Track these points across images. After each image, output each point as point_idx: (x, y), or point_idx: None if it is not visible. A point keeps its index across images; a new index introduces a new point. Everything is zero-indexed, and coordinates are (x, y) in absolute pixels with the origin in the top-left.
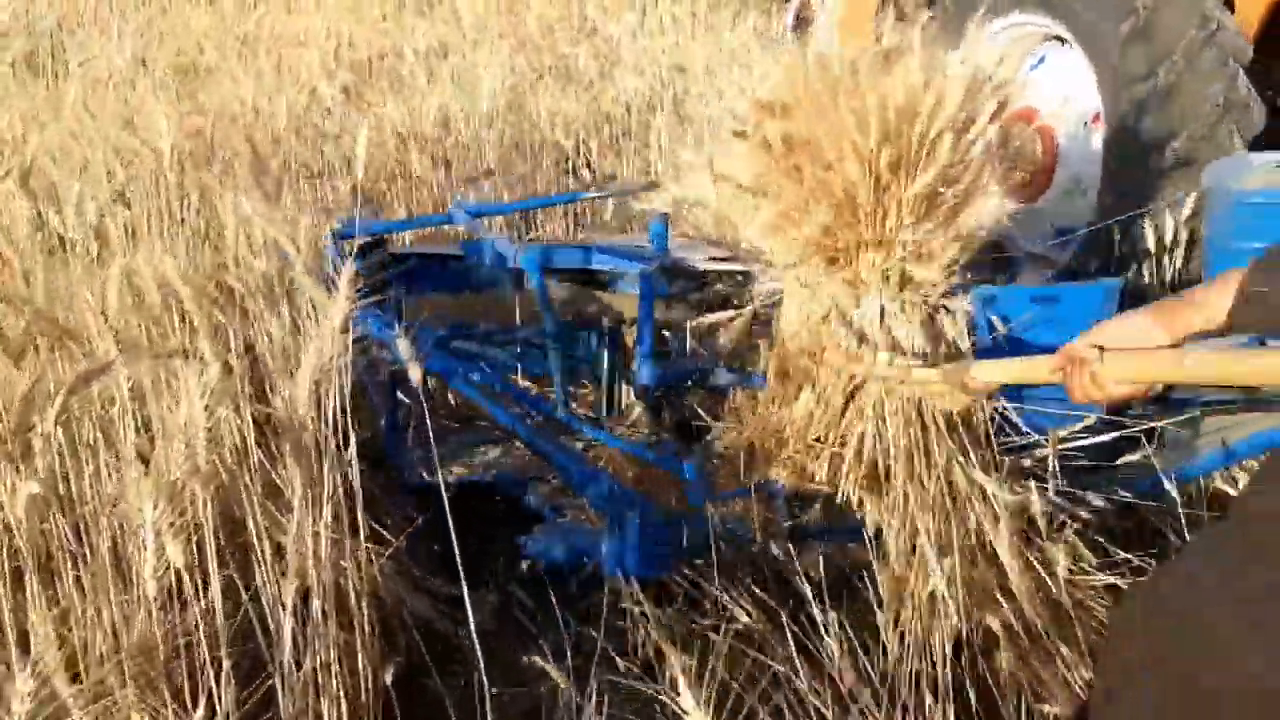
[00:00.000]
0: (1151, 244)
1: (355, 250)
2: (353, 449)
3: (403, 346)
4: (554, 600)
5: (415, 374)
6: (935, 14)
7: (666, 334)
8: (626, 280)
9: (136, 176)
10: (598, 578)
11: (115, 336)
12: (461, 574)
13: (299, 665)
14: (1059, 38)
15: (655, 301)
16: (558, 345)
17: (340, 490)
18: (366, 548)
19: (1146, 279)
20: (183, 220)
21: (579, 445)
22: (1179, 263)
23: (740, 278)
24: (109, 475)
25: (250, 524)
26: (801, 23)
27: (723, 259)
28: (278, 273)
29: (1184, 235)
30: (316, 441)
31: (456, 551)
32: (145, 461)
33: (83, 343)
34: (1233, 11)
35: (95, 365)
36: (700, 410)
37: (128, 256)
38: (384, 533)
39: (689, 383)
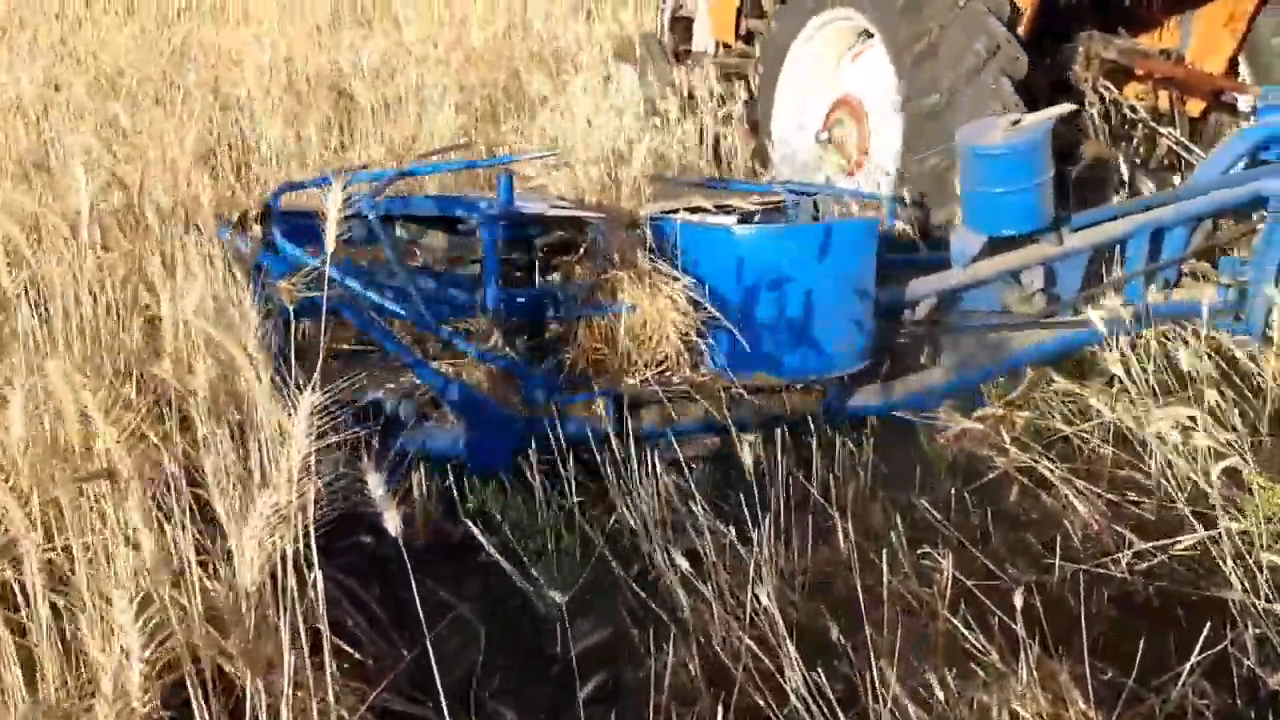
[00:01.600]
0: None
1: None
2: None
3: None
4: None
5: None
6: (781, 10)
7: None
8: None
9: (44, 251)
10: None
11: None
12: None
13: None
14: (867, 31)
15: (501, 243)
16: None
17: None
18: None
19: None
20: (110, 312)
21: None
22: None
23: (578, 226)
24: None
25: None
26: (677, 22)
27: (561, 209)
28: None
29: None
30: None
31: None
32: None
33: None
34: None
35: None
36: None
37: (35, 375)
38: None
39: (542, 310)
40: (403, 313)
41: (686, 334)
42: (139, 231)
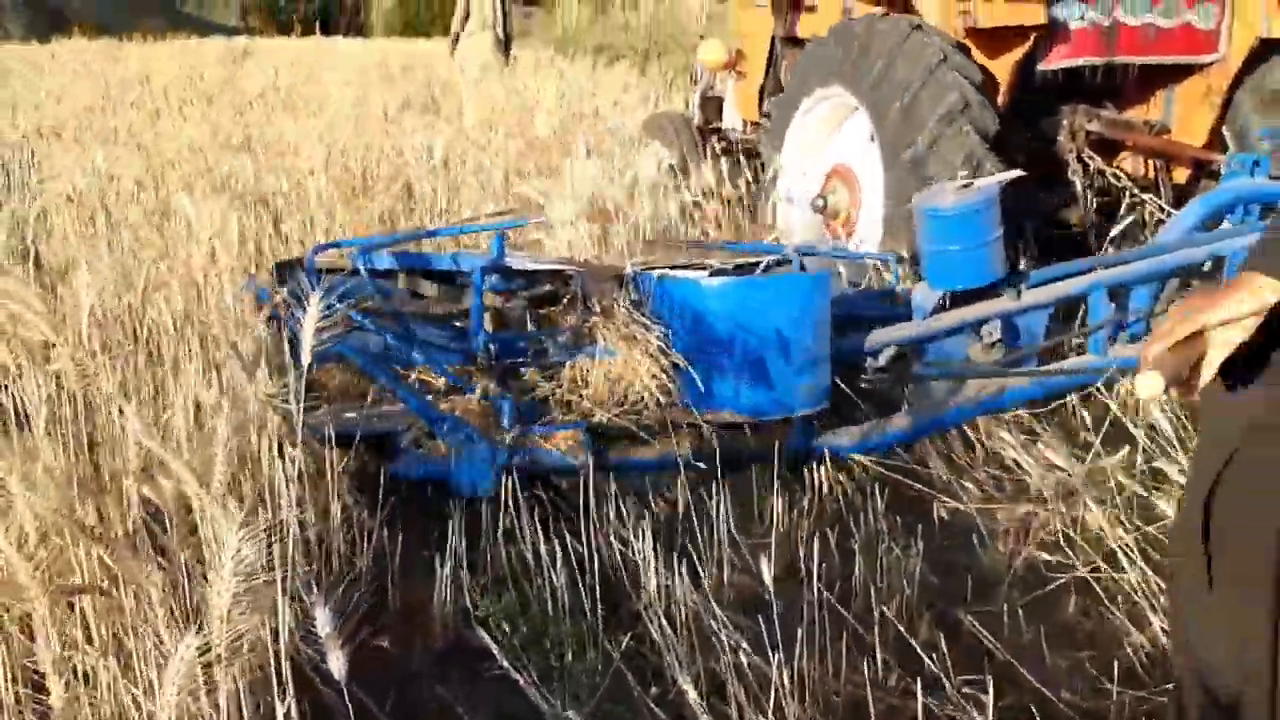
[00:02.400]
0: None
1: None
2: None
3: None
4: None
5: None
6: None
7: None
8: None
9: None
10: None
11: None
12: None
13: None
14: (856, 106)
15: (497, 294)
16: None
17: None
18: None
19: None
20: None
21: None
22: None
23: (562, 279)
24: None
25: None
26: (708, 101)
27: (548, 265)
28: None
29: None
30: None
31: None
32: None
33: None
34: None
35: None
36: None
37: None
38: None
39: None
40: (420, 358)
41: (657, 375)
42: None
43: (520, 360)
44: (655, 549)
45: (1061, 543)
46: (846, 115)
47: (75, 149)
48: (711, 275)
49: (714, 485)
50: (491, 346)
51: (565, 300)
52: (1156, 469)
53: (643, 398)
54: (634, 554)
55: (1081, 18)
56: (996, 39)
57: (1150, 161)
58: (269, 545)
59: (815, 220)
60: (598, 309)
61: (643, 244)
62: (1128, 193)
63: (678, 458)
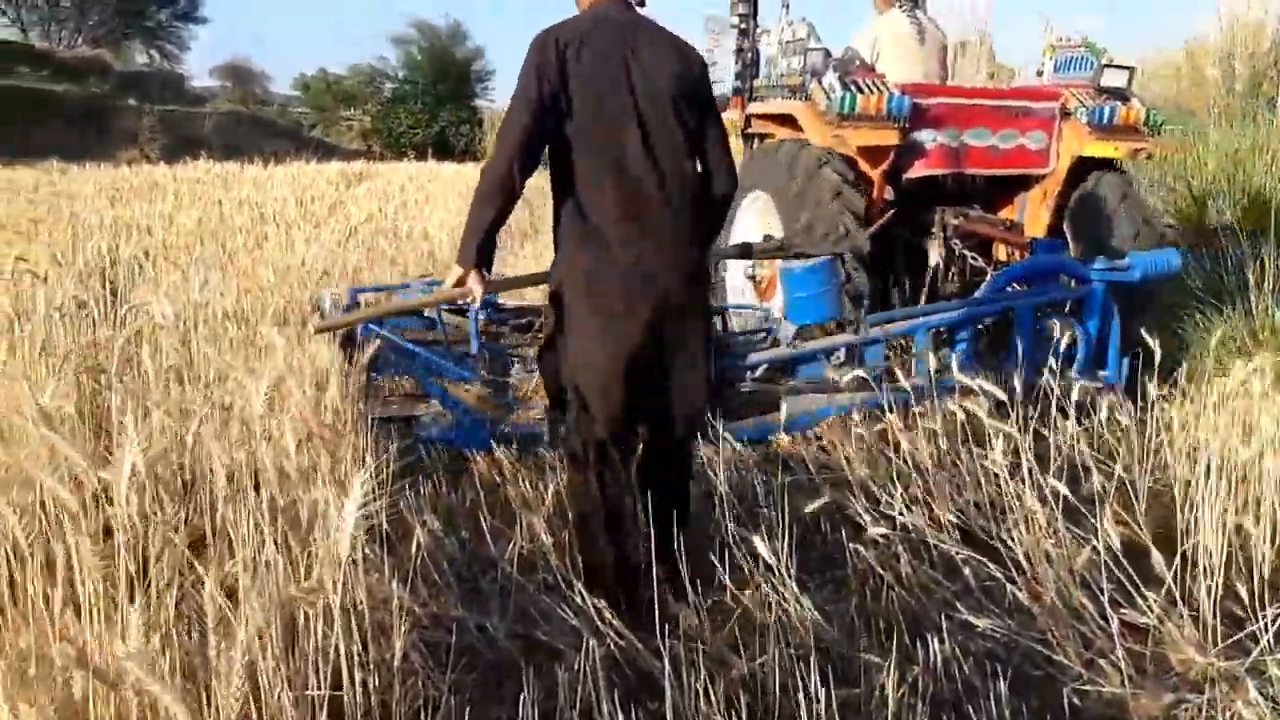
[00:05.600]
0: None
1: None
2: None
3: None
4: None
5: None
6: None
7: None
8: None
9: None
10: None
11: None
12: None
13: None
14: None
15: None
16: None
17: None
18: None
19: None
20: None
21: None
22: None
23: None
24: None
25: None
26: (752, 281)
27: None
28: None
29: None
30: None
31: None
32: None
33: None
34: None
35: None
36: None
37: None
38: None
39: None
40: (451, 368)
41: None
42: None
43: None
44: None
45: None
46: (768, 211)
47: (174, 272)
48: None
49: (810, 657)
50: (485, 353)
51: (537, 326)
52: None
53: None
54: None
55: (934, 140)
56: (865, 154)
57: (1003, 246)
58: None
59: (748, 285)
60: None
61: None
62: (969, 265)
63: None
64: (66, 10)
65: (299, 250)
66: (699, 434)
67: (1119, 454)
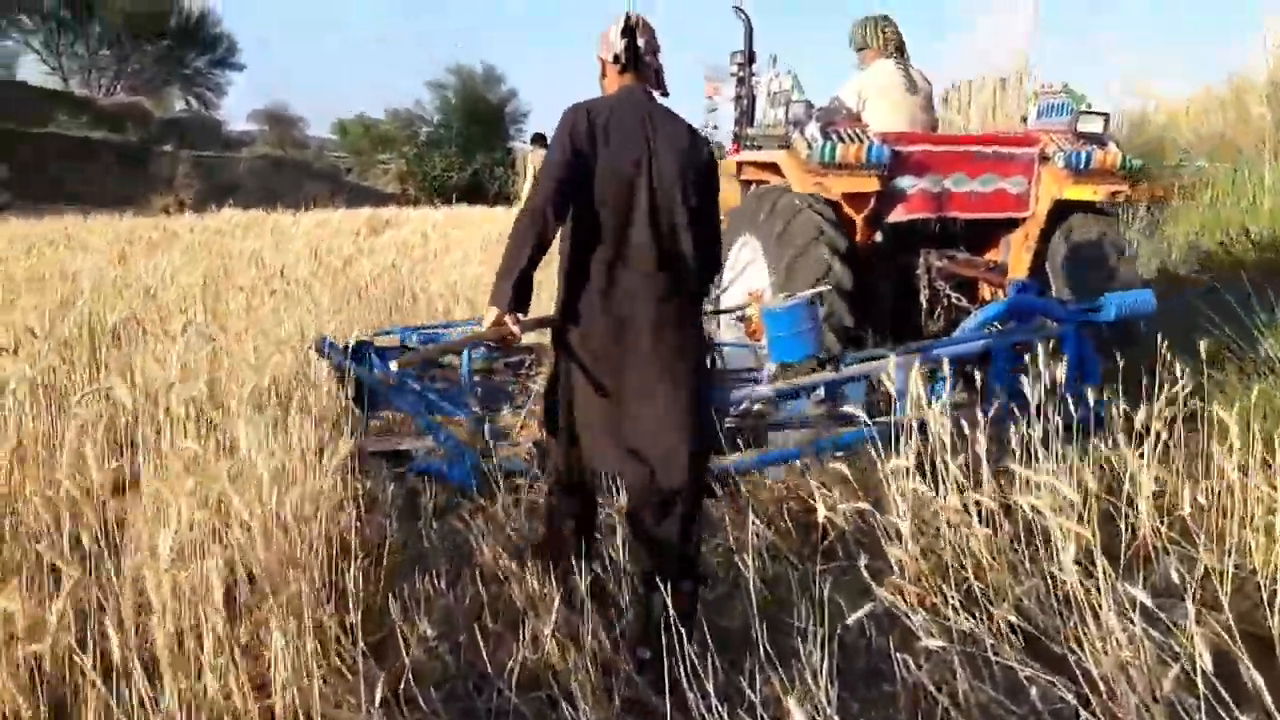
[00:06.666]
0: None
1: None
2: None
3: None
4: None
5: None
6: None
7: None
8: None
9: None
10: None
11: None
12: None
13: None
14: (760, 247)
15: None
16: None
17: None
18: None
19: None
20: None
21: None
22: None
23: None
24: None
25: None
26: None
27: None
28: None
29: None
30: None
31: None
32: None
33: None
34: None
35: None
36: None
37: None
38: None
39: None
40: (449, 407)
41: None
42: None
43: (497, 401)
44: None
45: None
46: (757, 255)
47: (161, 341)
48: None
49: None
50: (477, 391)
51: (528, 364)
52: None
53: None
54: None
55: (915, 186)
56: (848, 200)
57: (988, 287)
58: None
59: (739, 326)
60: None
61: None
62: (953, 306)
63: None
64: (106, 58)
65: (297, 315)
66: (704, 485)
67: (1197, 537)
